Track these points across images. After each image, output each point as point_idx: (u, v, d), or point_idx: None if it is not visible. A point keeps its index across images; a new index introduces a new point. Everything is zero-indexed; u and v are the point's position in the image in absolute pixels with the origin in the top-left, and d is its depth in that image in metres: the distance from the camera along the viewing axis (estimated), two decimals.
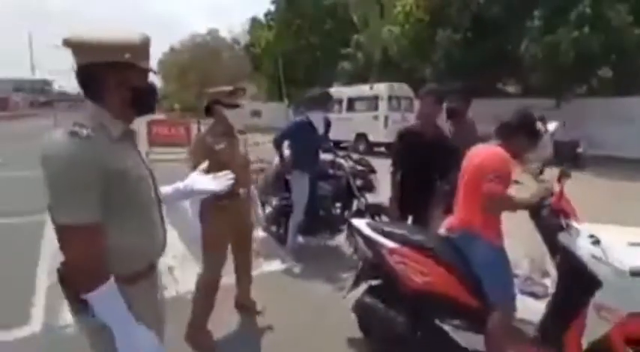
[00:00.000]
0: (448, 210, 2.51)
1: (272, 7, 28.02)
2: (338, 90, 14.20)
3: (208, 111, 2.56)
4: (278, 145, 4.04)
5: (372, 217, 3.92)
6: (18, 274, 3.65)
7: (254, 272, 3.75)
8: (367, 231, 2.37)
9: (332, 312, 2.91)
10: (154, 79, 1.32)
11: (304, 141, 3.96)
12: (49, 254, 4.12)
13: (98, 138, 1.14)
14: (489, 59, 13.32)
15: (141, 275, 1.29)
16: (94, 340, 1.24)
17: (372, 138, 13.22)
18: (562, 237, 1.99)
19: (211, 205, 2.36)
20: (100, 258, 1.14)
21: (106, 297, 1.12)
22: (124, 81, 1.20)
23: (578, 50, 10.29)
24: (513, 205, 2.05)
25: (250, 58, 30.20)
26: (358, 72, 19.80)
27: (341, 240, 4.34)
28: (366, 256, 2.39)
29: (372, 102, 13.39)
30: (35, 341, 2.64)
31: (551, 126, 8.71)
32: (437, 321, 2.17)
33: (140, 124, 1.35)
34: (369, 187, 4.33)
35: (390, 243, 2.25)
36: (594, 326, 1.84)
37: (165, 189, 1.53)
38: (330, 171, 4.47)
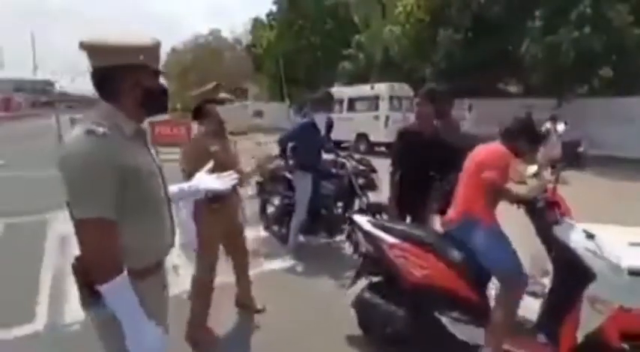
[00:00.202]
0: (442, 211, 2.58)
1: (274, 8, 28.11)
2: (339, 91, 14.20)
3: (197, 113, 2.54)
4: (284, 147, 4.14)
5: (373, 216, 3.95)
6: (21, 273, 3.69)
7: (255, 271, 3.78)
8: (368, 227, 2.43)
9: (333, 311, 2.94)
10: (162, 79, 1.37)
11: (308, 142, 4.04)
12: (52, 253, 4.16)
13: (114, 137, 1.19)
14: (490, 59, 13.34)
15: (150, 272, 1.32)
16: (103, 332, 1.27)
17: (372, 138, 13.25)
18: (557, 231, 2.04)
19: (205, 207, 2.39)
20: (115, 251, 1.18)
21: (119, 289, 1.16)
22: (138, 82, 1.25)
23: (578, 50, 10.31)
24: (511, 195, 2.15)
25: (252, 58, 30.24)
26: (359, 72, 19.82)
27: (342, 239, 4.38)
28: (367, 251, 2.44)
29: (373, 102, 13.41)
30: (39, 339, 2.68)
31: (560, 126, 8.72)
32: (436, 314, 2.21)
33: (143, 125, 1.39)
34: (371, 186, 4.36)
35: (390, 238, 2.31)
36: (588, 319, 1.87)
37: (171, 188, 1.56)
38: (333, 171, 4.51)
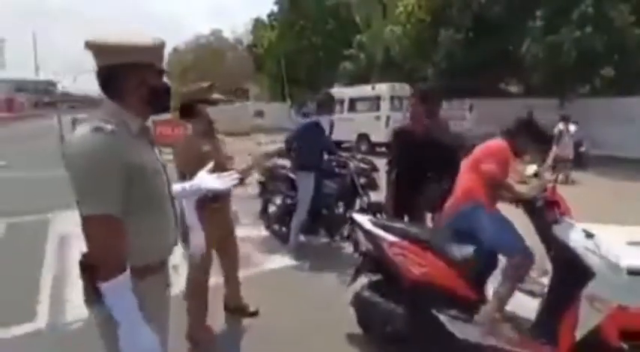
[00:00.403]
0: (434, 209, 2.65)
1: (275, 8, 28.14)
2: (340, 91, 14.23)
3: (186, 112, 2.46)
4: (289, 147, 4.24)
5: (374, 215, 3.96)
6: (23, 272, 3.71)
7: (255, 271, 3.80)
8: (368, 225, 2.45)
9: (332, 310, 2.94)
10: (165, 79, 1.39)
11: (312, 142, 4.10)
12: (54, 253, 4.18)
13: (121, 134, 1.20)
14: (491, 59, 13.32)
15: (153, 271, 1.32)
16: (104, 330, 1.26)
17: (373, 138, 13.24)
18: (556, 230, 2.05)
19: (207, 207, 2.39)
20: (120, 249, 1.18)
21: (119, 288, 1.16)
22: (144, 80, 1.26)
23: (580, 50, 10.30)
24: (511, 190, 2.21)
25: (253, 58, 30.28)
26: (360, 72, 19.83)
27: (342, 238, 4.38)
28: (367, 250, 2.47)
29: (374, 102, 13.43)
30: (40, 337, 2.69)
31: (572, 127, 8.68)
32: (434, 311, 2.22)
33: (148, 123, 1.41)
34: (373, 185, 4.39)
35: (389, 237, 2.33)
36: (587, 317, 1.88)
37: (173, 188, 1.57)
38: (336, 170, 4.54)
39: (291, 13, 25.55)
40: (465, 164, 2.39)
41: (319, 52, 24.53)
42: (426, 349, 2.36)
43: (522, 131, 2.33)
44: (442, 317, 2.19)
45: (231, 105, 21.77)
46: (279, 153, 5.22)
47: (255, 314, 2.91)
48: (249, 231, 4.82)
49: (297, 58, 24.11)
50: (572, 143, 8.63)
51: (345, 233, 4.31)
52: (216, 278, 2.77)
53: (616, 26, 10.18)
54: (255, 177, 4.82)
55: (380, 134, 12.94)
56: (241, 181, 2.62)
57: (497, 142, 2.32)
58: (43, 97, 51.37)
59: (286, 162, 4.65)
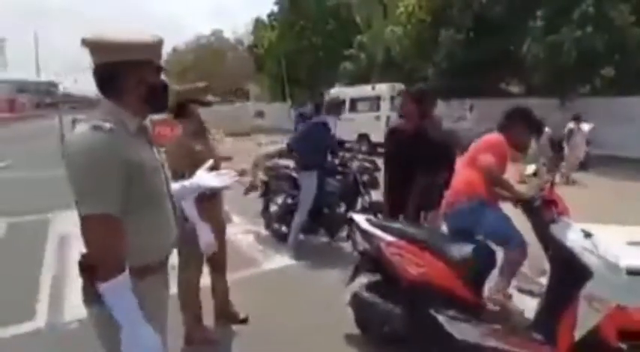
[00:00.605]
0: (420, 208, 2.69)
1: (275, 8, 28.12)
2: (340, 91, 14.23)
3: (179, 110, 2.44)
4: (292, 148, 4.28)
5: (375, 215, 3.96)
6: (23, 272, 3.72)
7: (254, 270, 3.79)
8: (366, 226, 2.45)
9: (331, 310, 2.94)
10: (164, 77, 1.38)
11: (318, 141, 4.11)
12: (54, 252, 4.19)
13: (119, 132, 1.19)
14: (492, 59, 13.31)
15: (152, 270, 1.31)
16: (101, 330, 1.25)
17: (374, 138, 13.21)
18: (553, 230, 2.05)
19: (205, 205, 2.37)
20: (118, 249, 1.17)
21: (119, 288, 1.15)
22: (143, 78, 1.25)
23: (580, 50, 10.29)
24: (507, 186, 2.24)
25: (254, 58, 30.29)
26: (360, 72, 19.81)
27: (342, 238, 4.38)
28: (365, 250, 2.46)
29: (374, 102, 13.43)
30: (39, 337, 2.70)
31: (586, 126, 8.55)
32: (432, 311, 2.22)
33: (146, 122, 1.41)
34: (375, 184, 4.41)
35: (387, 237, 2.33)
36: (586, 317, 1.87)
37: (172, 186, 1.57)
38: (339, 169, 4.56)
39: (291, 13, 25.53)
40: (462, 160, 2.42)
41: (320, 52, 24.51)
42: (425, 349, 2.36)
43: (515, 121, 2.39)
44: (440, 318, 2.19)
45: (231, 105, 21.80)
46: (281, 154, 5.25)
47: (245, 321, 2.83)
48: (248, 229, 4.83)
49: (298, 58, 24.09)
50: (585, 142, 8.49)
51: (346, 233, 4.31)
52: (208, 278, 2.75)
53: (616, 26, 10.17)
54: (260, 177, 4.85)
55: (380, 134, 12.86)
56: (253, 187, 2.60)
57: (494, 136, 2.35)
58: (45, 98, 51.47)
59: (289, 162, 4.67)
